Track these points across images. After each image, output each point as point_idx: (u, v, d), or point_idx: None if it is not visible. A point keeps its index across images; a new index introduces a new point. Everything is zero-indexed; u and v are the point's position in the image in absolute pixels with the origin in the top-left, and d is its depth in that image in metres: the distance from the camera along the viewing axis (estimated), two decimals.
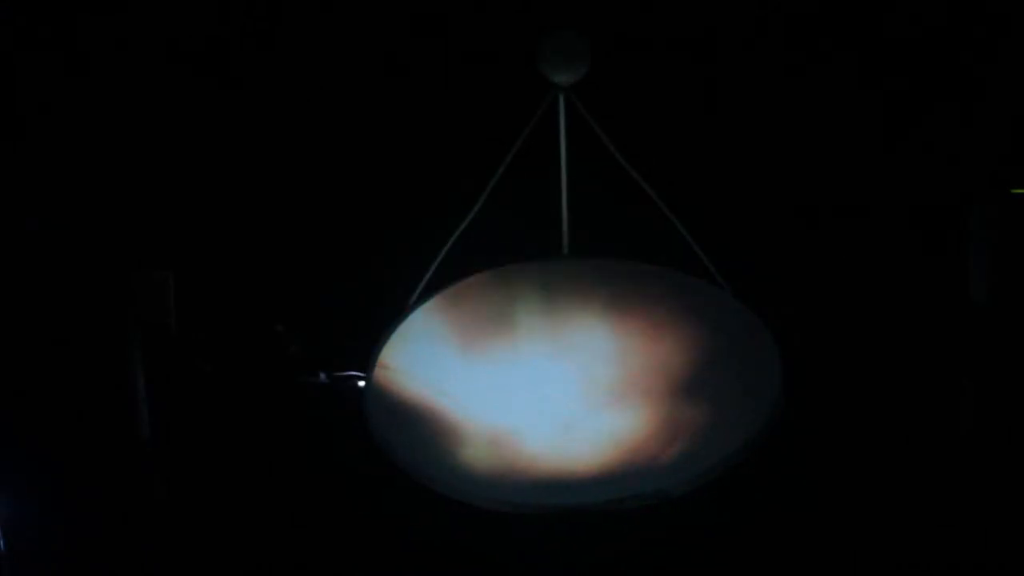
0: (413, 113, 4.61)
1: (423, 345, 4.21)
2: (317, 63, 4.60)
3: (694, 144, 4.60)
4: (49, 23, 4.51)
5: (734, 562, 4.08)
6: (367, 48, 4.60)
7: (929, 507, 4.14)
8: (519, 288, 4.34)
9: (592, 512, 3.77)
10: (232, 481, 4.26)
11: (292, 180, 4.63)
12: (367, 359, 4.17)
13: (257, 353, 4.48)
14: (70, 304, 4.38)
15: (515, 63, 4.37)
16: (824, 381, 4.31)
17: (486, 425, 4.07)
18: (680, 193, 4.31)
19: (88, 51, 4.52)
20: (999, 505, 4.13)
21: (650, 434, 4.02)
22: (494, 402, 4.14)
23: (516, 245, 4.40)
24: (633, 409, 4.11)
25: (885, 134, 4.57)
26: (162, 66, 4.56)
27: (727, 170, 4.60)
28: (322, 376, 4.39)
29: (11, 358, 4.35)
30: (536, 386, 4.19)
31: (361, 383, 4.18)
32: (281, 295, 4.56)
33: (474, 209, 4.29)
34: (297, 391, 4.39)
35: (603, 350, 4.25)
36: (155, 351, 4.29)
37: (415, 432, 4.00)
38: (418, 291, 4.30)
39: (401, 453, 3.94)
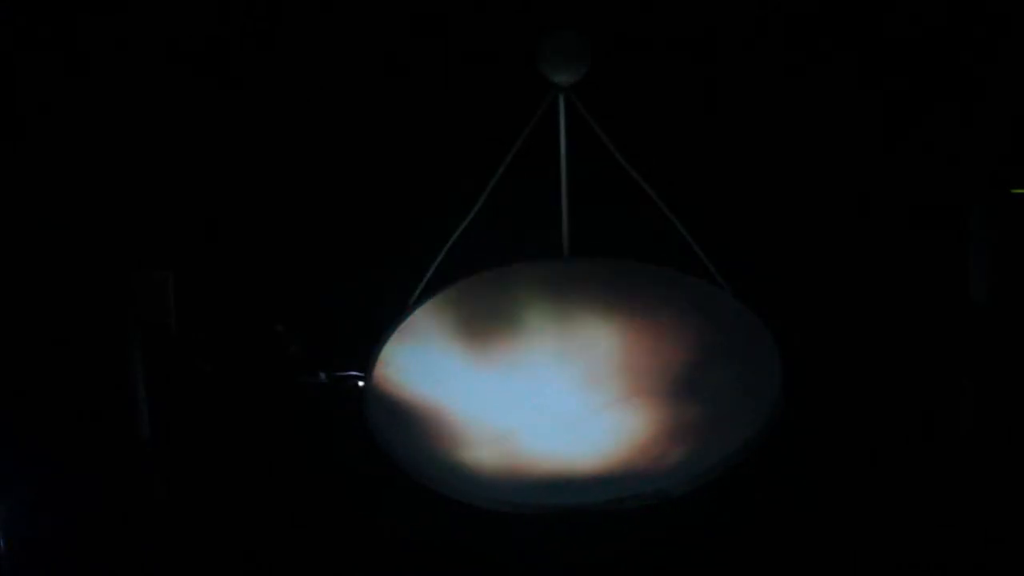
0: (413, 113, 4.61)
1: (423, 345, 4.21)
2: (317, 63, 4.60)
3: (694, 144, 4.60)
4: (49, 23, 4.51)
5: (734, 562, 4.08)
6: (367, 48, 4.60)
7: (929, 507, 4.14)
8: (519, 288, 4.34)
9: (592, 512, 3.77)
10: (232, 481, 4.26)
11: (292, 180, 4.63)
12: (367, 359, 4.17)
13: (257, 353, 4.48)
14: (70, 304, 4.38)
15: (515, 63, 4.37)
16: (824, 381, 4.31)
17: (486, 425, 4.07)
18: (680, 193, 4.31)
19: (88, 51, 4.52)
20: (999, 505, 4.13)
21: (650, 434, 4.02)
22: (494, 402, 4.14)
23: (516, 245, 4.40)
24: (633, 409, 4.11)
25: (885, 134, 4.57)
26: (162, 66, 4.56)
27: (727, 170, 4.60)
28: (322, 376, 4.39)
29: (11, 358, 4.35)
30: (536, 386, 4.19)
31: (361, 383, 4.17)
32: (281, 295, 4.56)
33: (474, 209, 4.29)
34: (297, 391, 4.39)
35: (603, 350, 4.25)
36: (155, 351, 4.29)
37: (415, 432, 4.00)
38: (418, 291, 4.30)
39: (401, 453, 3.94)
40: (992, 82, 4.51)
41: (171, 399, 4.30)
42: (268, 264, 4.60)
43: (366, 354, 4.18)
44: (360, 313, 4.38)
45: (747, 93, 4.59)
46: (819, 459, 4.24)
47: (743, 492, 4.05)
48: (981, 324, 4.30)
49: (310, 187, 4.63)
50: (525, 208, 4.38)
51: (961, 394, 4.32)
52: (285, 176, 4.63)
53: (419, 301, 4.29)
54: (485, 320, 4.29)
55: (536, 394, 4.18)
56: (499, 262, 4.37)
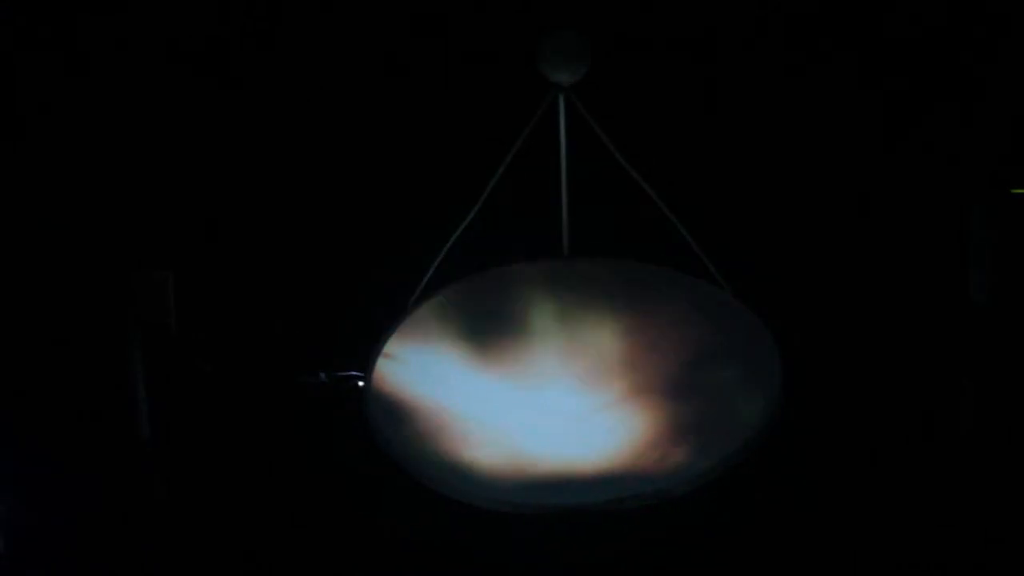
0: (413, 113, 4.61)
1: (423, 345, 4.21)
2: (317, 63, 4.60)
3: (694, 144, 4.60)
4: (49, 23, 4.51)
5: (734, 562, 4.08)
6: (367, 48, 4.60)
7: (929, 507, 4.14)
8: (519, 288, 4.34)
9: (592, 512, 3.77)
10: (232, 481, 4.26)
11: (292, 180, 4.63)
12: (367, 359, 4.17)
13: (257, 353, 4.48)
14: (70, 304, 4.38)
15: (515, 63, 4.37)
16: (824, 381, 4.31)
17: (486, 425, 4.07)
18: (680, 193, 4.31)
19: (88, 51, 4.52)
20: (999, 505, 4.13)
21: (650, 434, 4.02)
22: (494, 402, 4.14)
23: (516, 245, 4.40)
24: (632, 409, 4.11)
25: (885, 134, 4.57)
26: (162, 66, 4.56)
27: (727, 170, 4.60)
28: (322, 376, 4.39)
29: (11, 358, 4.35)
30: (535, 386, 4.19)
31: (361, 383, 4.17)
32: (281, 295, 4.56)
33: (474, 209, 4.29)
34: (297, 391, 4.39)
35: (602, 350, 4.25)
36: (155, 351, 4.29)
37: (415, 432, 4.00)
38: (418, 291, 4.30)
39: (401, 452, 3.94)
40: (992, 82, 4.51)
41: (171, 399, 4.30)
42: (268, 264, 4.60)
43: (366, 354, 4.18)
44: (360, 313, 4.38)
45: (747, 93, 4.59)
46: (819, 459, 4.24)
47: (743, 492, 4.05)
48: (981, 324, 4.30)
49: (310, 187, 4.63)
50: (525, 208, 4.38)
51: (961, 394, 4.32)
52: (285, 176, 4.63)
53: (419, 301, 4.29)
54: (485, 320, 4.29)
55: (536, 394, 4.18)
56: (499, 262, 4.37)
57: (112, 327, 4.28)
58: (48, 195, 4.52)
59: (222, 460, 4.30)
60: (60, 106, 4.53)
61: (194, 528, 4.18)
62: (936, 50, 4.52)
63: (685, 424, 4.01)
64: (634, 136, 4.29)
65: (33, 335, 4.37)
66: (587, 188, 4.33)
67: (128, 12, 4.52)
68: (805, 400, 4.15)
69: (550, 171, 4.31)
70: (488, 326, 4.28)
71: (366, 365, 4.16)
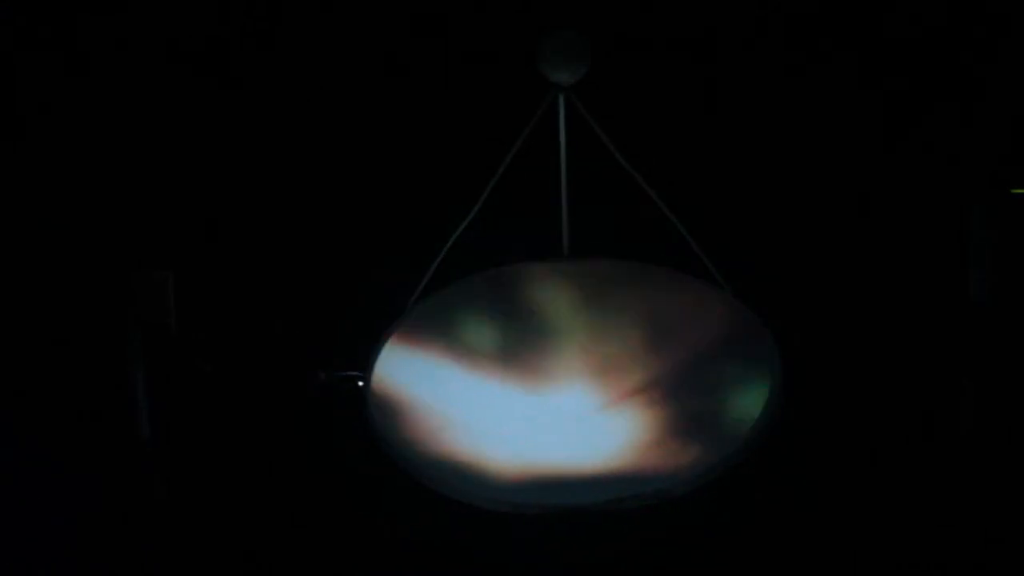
0: (413, 113, 4.61)
1: (423, 345, 4.21)
2: (317, 63, 4.60)
3: (694, 144, 4.60)
4: (49, 23, 4.51)
5: (734, 562, 4.08)
6: (367, 48, 4.60)
7: (929, 507, 4.14)
8: (519, 288, 4.35)
9: (592, 512, 3.77)
10: (232, 481, 4.26)
11: (292, 180, 4.63)
12: (367, 359, 4.17)
13: (257, 353, 4.48)
14: (70, 304, 4.38)
15: (515, 63, 4.37)
16: (824, 381, 4.31)
17: (486, 425, 4.07)
18: (680, 193, 4.31)
19: (88, 51, 4.52)
20: (999, 505, 4.13)
21: (649, 434, 4.02)
22: (494, 402, 4.14)
23: (516, 245, 4.40)
24: (632, 409, 4.11)
25: (885, 134, 4.57)
26: (162, 66, 4.56)
27: (727, 170, 4.60)
28: (322, 376, 4.38)
29: (11, 358, 4.35)
30: (535, 386, 4.19)
31: (361, 383, 4.17)
32: (281, 295, 4.56)
33: (474, 209, 4.29)
34: (297, 391, 4.39)
35: (603, 350, 4.25)
36: (155, 351, 4.29)
37: (415, 432, 4.00)
38: (418, 291, 4.30)
39: (401, 452, 3.94)
40: (992, 82, 4.51)
41: (171, 399, 4.30)
42: (268, 264, 4.60)
43: (366, 354, 4.18)
44: (360, 313, 4.38)
45: (747, 93, 4.60)
46: (819, 459, 4.24)
47: (743, 492, 4.05)
48: (981, 324, 4.30)
49: (310, 187, 4.63)
50: (525, 208, 4.37)
51: (961, 394, 4.32)
52: (285, 176, 4.63)
53: (419, 301, 4.29)
54: (484, 320, 4.29)
55: (535, 394, 4.18)
56: (499, 262, 4.37)
57: (112, 327, 4.28)
58: (48, 195, 4.52)
59: (222, 460, 4.29)
60: (60, 106, 4.53)
61: (194, 528, 4.18)
62: (936, 50, 4.52)
63: (685, 424, 4.01)
64: (634, 136, 4.29)
65: (33, 335, 4.37)
66: (587, 188, 4.33)
67: (128, 12, 4.52)
68: (805, 400, 4.15)
69: (550, 171, 4.31)
70: (488, 326, 4.28)
71: (366, 365, 4.16)
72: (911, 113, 4.55)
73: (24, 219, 4.50)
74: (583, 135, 4.26)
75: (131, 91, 4.55)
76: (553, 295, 4.34)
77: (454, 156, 4.58)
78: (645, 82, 4.58)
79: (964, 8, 4.50)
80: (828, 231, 4.56)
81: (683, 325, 4.22)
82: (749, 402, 3.97)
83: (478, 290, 4.33)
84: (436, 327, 4.25)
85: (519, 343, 4.27)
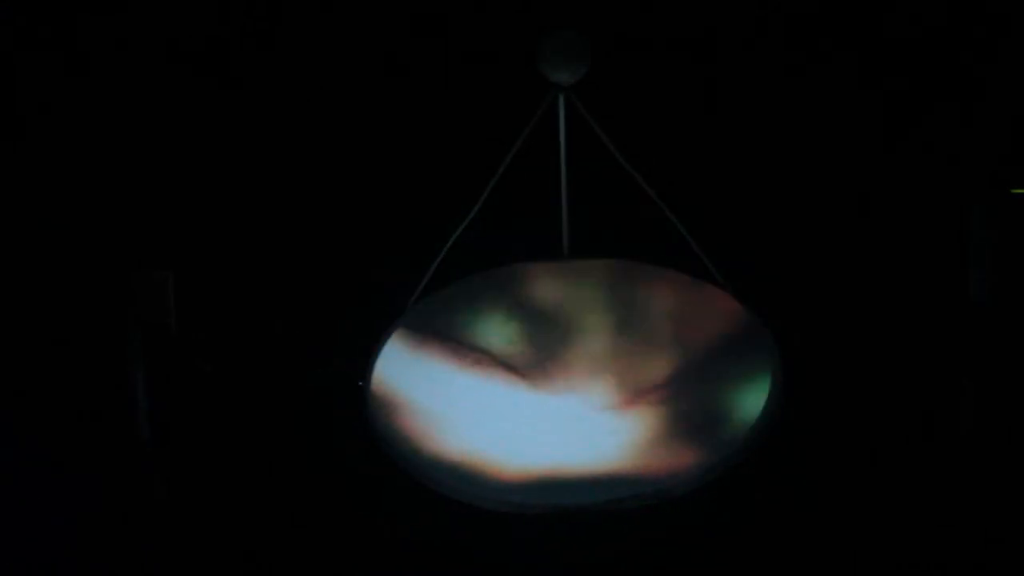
0: (413, 113, 4.61)
1: (423, 345, 4.21)
2: (317, 63, 4.60)
3: (694, 144, 4.60)
4: (49, 23, 4.51)
5: (734, 562, 4.08)
6: (367, 48, 4.60)
7: (929, 507, 4.14)
8: (518, 288, 4.35)
9: (592, 512, 3.77)
10: (232, 481, 4.26)
11: (292, 180, 4.63)
12: (367, 359, 4.17)
13: (257, 353, 4.48)
14: (70, 304, 4.38)
15: (515, 63, 4.37)
16: (824, 381, 4.31)
17: (486, 425, 4.07)
18: (680, 193, 4.31)
19: (88, 51, 4.52)
20: (999, 505, 4.13)
21: (650, 434, 4.02)
22: (494, 402, 4.14)
23: (516, 245, 4.40)
24: (632, 409, 4.11)
25: (885, 134, 4.57)
26: (162, 66, 4.56)
27: (727, 170, 4.60)
28: (318, 375, 4.38)
29: (11, 358, 4.35)
30: (536, 386, 4.19)
31: (361, 383, 4.17)
32: (281, 295, 4.56)
33: (474, 209, 4.29)
34: (297, 391, 4.39)
35: (602, 350, 4.25)
36: (155, 351, 4.29)
37: (415, 431, 4.00)
38: (418, 291, 4.30)
39: (401, 452, 3.94)
40: (992, 82, 4.51)
41: (171, 399, 4.30)
42: (268, 264, 4.60)
43: (366, 354, 4.18)
44: (360, 313, 4.38)
45: (747, 93, 4.60)
46: (819, 459, 4.23)
47: (743, 492, 4.05)
48: (981, 324, 4.30)
49: (310, 187, 4.63)
50: (525, 208, 4.38)
51: (961, 394, 4.32)
52: (285, 176, 4.63)
53: (419, 301, 4.29)
54: (484, 320, 4.29)
55: (536, 394, 4.18)
56: (499, 262, 4.37)
57: (112, 327, 4.28)
58: (48, 195, 4.52)
59: (222, 460, 4.29)
60: (60, 106, 4.53)
61: (194, 528, 4.18)
62: (936, 50, 4.52)
63: (685, 424, 4.01)
64: (634, 136, 4.29)
65: (33, 335, 4.37)
66: (587, 188, 4.33)
67: (128, 12, 4.52)
68: (805, 400, 4.15)
69: (550, 171, 4.31)
70: (488, 326, 4.28)
71: (366, 365, 4.16)
72: (911, 113, 4.55)
73: (24, 219, 4.50)
74: (583, 135, 4.26)
75: (131, 91, 4.55)
76: (553, 295, 4.34)
77: (454, 156, 4.58)
78: (645, 82, 4.58)
79: (964, 8, 4.50)
80: (828, 231, 4.56)
81: (683, 325, 4.22)
82: (749, 402, 3.97)
83: (478, 290, 4.33)
84: (436, 327, 4.25)
85: (519, 343, 4.27)
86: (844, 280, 4.51)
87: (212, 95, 4.58)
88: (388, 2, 4.59)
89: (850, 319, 4.45)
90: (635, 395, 4.14)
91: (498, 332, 4.28)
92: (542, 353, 4.26)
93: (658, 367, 4.17)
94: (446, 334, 4.25)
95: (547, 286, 4.35)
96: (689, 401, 4.07)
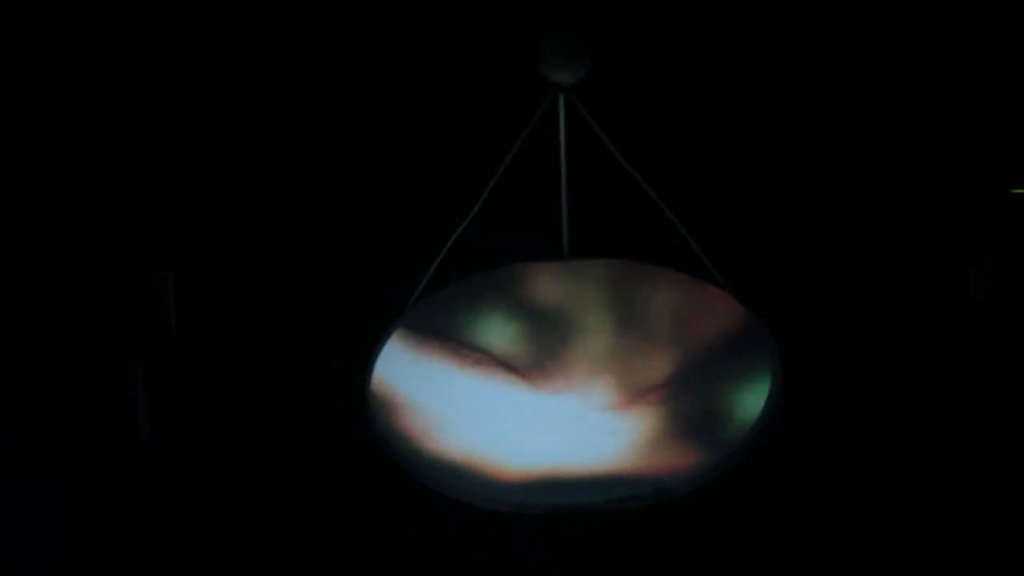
0: (413, 113, 4.61)
1: (423, 345, 4.21)
2: (317, 63, 4.60)
3: (694, 144, 4.60)
4: (49, 23, 4.51)
5: (734, 562, 4.08)
6: (367, 48, 4.60)
7: (929, 507, 4.14)
8: (518, 288, 4.35)
9: (592, 512, 3.77)
10: (232, 481, 4.26)
11: (292, 180, 4.63)
12: (367, 360, 4.17)
13: (257, 353, 4.48)
14: (70, 304, 4.38)
15: (515, 63, 4.37)
16: (824, 381, 4.31)
17: (486, 425, 4.07)
18: (680, 193, 4.31)
19: (88, 51, 4.52)
20: (999, 505, 4.13)
21: (650, 434, 4.02)
22: (494, 401, 4.14)
23: (516, 245, 4.40)
24: (632, 409, 4.11)
25: (885, 134, 4.57)
26: (162, 66, 4.56)
27: (727, 170, 4.60)
28: (318, 375, 4.38)
29: (11, 358, 4.35)
30: (536, 386, 4.19)
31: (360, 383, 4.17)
32: (281, 295, 4.56)
33: (474, 209, 4.29)
34: (297, 391, 4.39)
35: (602, 350, 4.25)
36: (155, 351, 4.29)
37: (415, 431, 4.00)
38: (418, 291, 4.30)
39: (401, 452, 3.94)
40: (992, 82, 4.51)
41: (171, 399, 4.30)
42: (268, 264, 4.60)
43: (366, 354, 4.18)
44: (360, 313, 4.38)
45: (747, 93, 4.60)
46: (819, 459, 4.23)
47: (743, 492, 4.05)
48: (981, 324, 4.30)
49: (310, 187, 4.63)
50: (525, 208, 4.38)
51: (961, 394, 4.32)
52: (285, 176, 4.63)
53: (419, 301, 4.29)
54: (484, 320, 4.29)
55: (536, 393, 4.18)
56: (499, 262, 4.37)
57: (112, 327, 4.28)
58: (48, 195, 4.52)
59: (222, 460, 4.29)
60: (60, 106, 4.53)
61: (194, 528, 4.18)
62: (936, 50, 4.52)
63: (685, 424, 4.01)
64: (634, 136, 4.29)
65: (33, 335, 4.37)
66: (587, 188, 4.33)
67: (128, 12, 4.52)
68: (805, 400, 4.15)
69: (550, 171, 4.31)
70: (488, 326, 4.28)
71: (366, 366, 4.16)
72: (911, 113, 4.55)
73: (24, 219, 4.49)
74: (583, 135, 4.26)
75: (131, 91, 4.55)
76: (553, 295, 4.34)
77: (454, 156, 4.58)
78: (645, 82, 4.58)
79: (964, 8, 4.50)
80: (828, 231, 4.56)
81: (683, 325, 4.22)
82: (749, 402, 3.97)
83: (478, 290, 4.33)
84: (436, 327, 4.25)
85: (519, 343, 4.27)
86: (844, 280, 4.51)
87: (212, 95, 4.58)
88: (388, 2, 4.59)
89: (850, 319, 4.45)
90: (635, 395, 4.14)
91: (498, 332, 4.28)
92: (542, 353, 4.26)
93: (658, 367, 4.17)
94: (446, 334, 4.25)
95: (547, 286, 4.35)
96: (689, 401, 4.07)
